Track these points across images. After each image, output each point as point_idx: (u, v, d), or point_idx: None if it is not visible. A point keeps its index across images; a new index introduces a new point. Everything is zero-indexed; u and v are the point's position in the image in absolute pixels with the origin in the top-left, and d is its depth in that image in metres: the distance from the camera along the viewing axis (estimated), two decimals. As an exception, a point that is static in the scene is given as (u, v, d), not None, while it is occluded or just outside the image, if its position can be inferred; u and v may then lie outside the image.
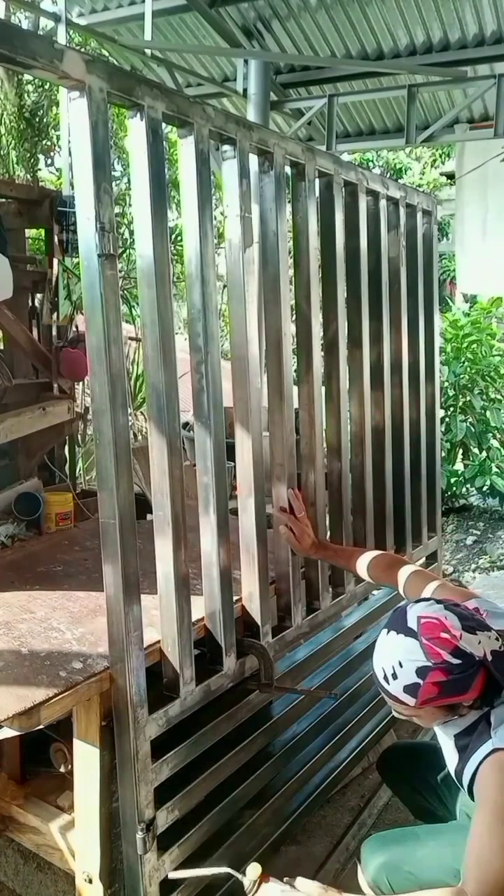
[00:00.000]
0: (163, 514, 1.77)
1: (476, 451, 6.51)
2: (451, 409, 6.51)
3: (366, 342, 2.67)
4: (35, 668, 1.72)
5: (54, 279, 3.07)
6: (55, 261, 3.06)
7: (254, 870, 1.54)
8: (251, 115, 5.72)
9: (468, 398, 6.56)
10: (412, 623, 1.59)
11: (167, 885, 1.81)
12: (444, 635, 1.55)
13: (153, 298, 1.70)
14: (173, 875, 1.77)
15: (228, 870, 1.58)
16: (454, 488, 6.53)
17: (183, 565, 1.80)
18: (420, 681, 1.55)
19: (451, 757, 1.75)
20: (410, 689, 1.57)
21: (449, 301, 7.56)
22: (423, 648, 1.55)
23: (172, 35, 6.17)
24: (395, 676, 1.58)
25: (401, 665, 1.57)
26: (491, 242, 6.33)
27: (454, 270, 7.10)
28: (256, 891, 1.52)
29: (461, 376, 6.54)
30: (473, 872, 1.46)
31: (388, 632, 1.63)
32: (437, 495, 3.37)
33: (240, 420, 2.05)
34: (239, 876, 1.55)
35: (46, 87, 8.27)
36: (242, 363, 2.02)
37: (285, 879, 1.55)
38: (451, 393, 6.52)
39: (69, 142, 5.50)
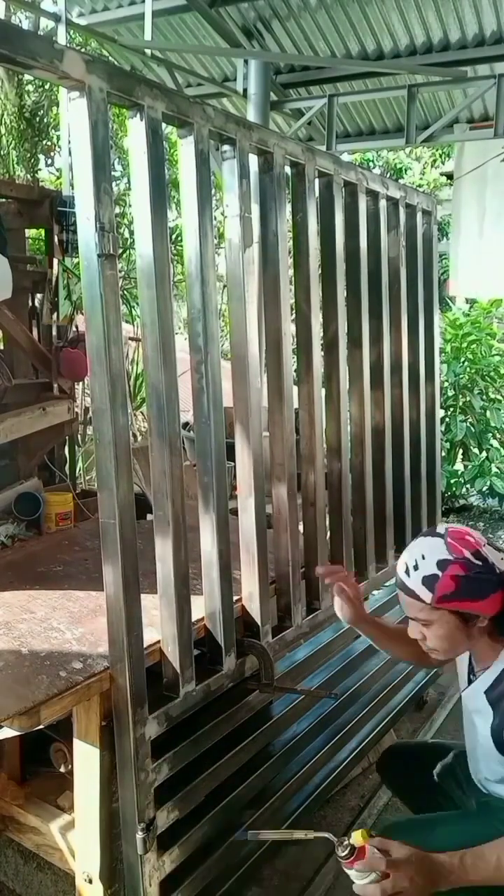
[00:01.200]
0: (163, 514, 1.77)
1: (476, 451, 6.51)
2: (451, 409, 6.51)
3: (366, 342, 2.67)
4: (35, 668, 1.72)
5: (54, 279, 3.07)
6: (55, 261, 3.06)
7: (358, 838, 1.47)
8: (251, 115, 5.73)
9: (468, 398, 6.56)
10: (440, 530, 1.67)
11: (167, 885, 1.81)
12: (468, 538, 1.64)
13: (153, 298, 1.70)
14: (254, 836, 1.72)
15: (327, 835, 1.53)
16: (454, 488, 6.53)
17: (183, 565, 1.80)
18: (439, 572, 1.58)
19: (484, 718, 1.70)
20: (429, 581, 1.59)
21: (448, 302, 7.55)
22: (446, 545, 1.62)
23: (172, 35, 6.18)
24: (416, 568, 1.62)
25: (423, 557, 1.62)
26: (487, 244, 6.31)
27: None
28: (353, 859, 1.47)
29: (461, 376, 6.54)
30: None
31: (417, 538, 1.71)
32: (437, 495, 3.37)
33: (240, 420, 2.05)
34: (334, 840, 1.51)
35: (46, 87, 8.28)
36: (242, 363, 2.02)
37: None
38: (450, 393, 6.52)
39: (69, 142, 5.50)
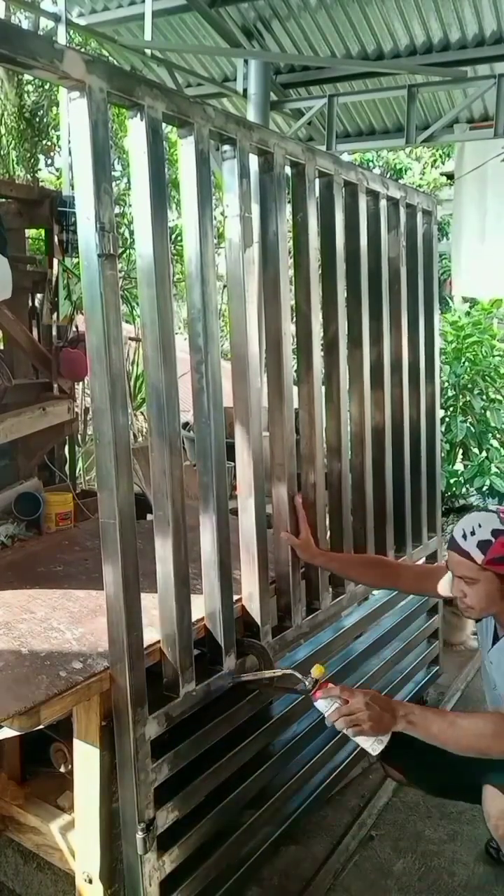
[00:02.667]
0: (163, 514, 1.77)
1: (476, 451, 6.50)
2: (451, 409, 6.50)
3: (366, 342, 2.67)
4: (35, 668, 1.72)
5: (54, 279, 3.07)
6: (55, 261, 3.06)
7: (316, 671, 1.80)
8: (251, 115, 5.73)
9: (468, 398, 6.56)
10: (492, 508, 1.99)
11: (167, 885, 1.81)
12: None
13: (153, 298, 1.70)
14: (237, 679, 1.99)
15: (291, 671, 1.89)
16: (454, 488, 6.53)
17: (183, 565, 1.80)
18: (492, 539, 1.87)
19: None
20: (482, 545, 1.88)
21: (448, 301, 7.54)
22: (500, 519, 1.91)
23: (172, 35, 6.18)
24: (472, 533, 1.90)
25: (479, 526, 1.90)
26: (489, 244, 6.30)
27: (454, 270, 7.08)
28: (315, 690, 1.78)
29: (461, 376, 6.54)
30: None
31: (471, 512, 2.02)
32: (437, 495, 3.37)
33: (240, 420, 2.05)
34: (300, 677, 1.83)
35: (46, 87, 8.28)
36: (242, 363, 2.02)
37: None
38: (451, 393, 6.52)
39: (69, 142, 5.50)
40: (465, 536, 1.91)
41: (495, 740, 1.75)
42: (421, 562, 3.24)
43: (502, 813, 1.90)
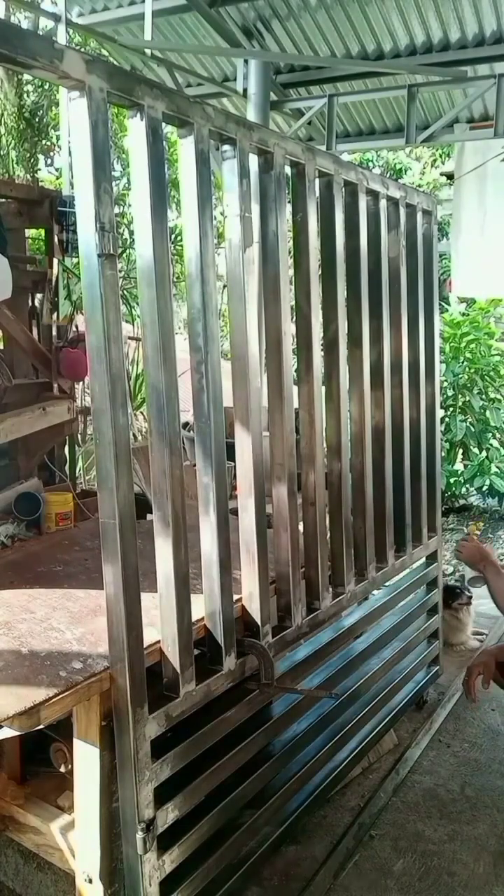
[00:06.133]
0: (163, 514, 1.77)
1: (476, 450, 6.51)
2: (451, 408, 6.51)
3: (366, 342, 2.67)
4: (35, 668, 1.72)
5: (54, 279, 3.07)
6: (55, 261, 3.06)
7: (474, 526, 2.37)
8: (251, 115, 5.73)
9: (467, 398, 6.56)
10: None
11: (167, 885, 1.81)
12: None
13: (153, 298, 1.70)
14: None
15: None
16: (454, 488, 6.53)
17: (183, 565, 1.80)
18: None
19: None
20: None
21: (444, 304, 7.54)
22: None
23: (172, 35, 6.18)
24: None
25: None
26: (489, 244, 6.30)
27: (455, 270, 7.07)
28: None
29: (460, 376, 6.54)
30: None
31: None
32: (437, 495, 3.37)
33: (240, 420, 2.05)
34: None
35: (46, 87, 8.28)
36: (242, 363, 2.02)
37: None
38: (450, 393, 6.52)
39: (69, 142, 5.50)
40: None
41: None
42: (420, 562, 3.25)
43: None
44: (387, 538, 2.88)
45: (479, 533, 2.78)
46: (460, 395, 6.59)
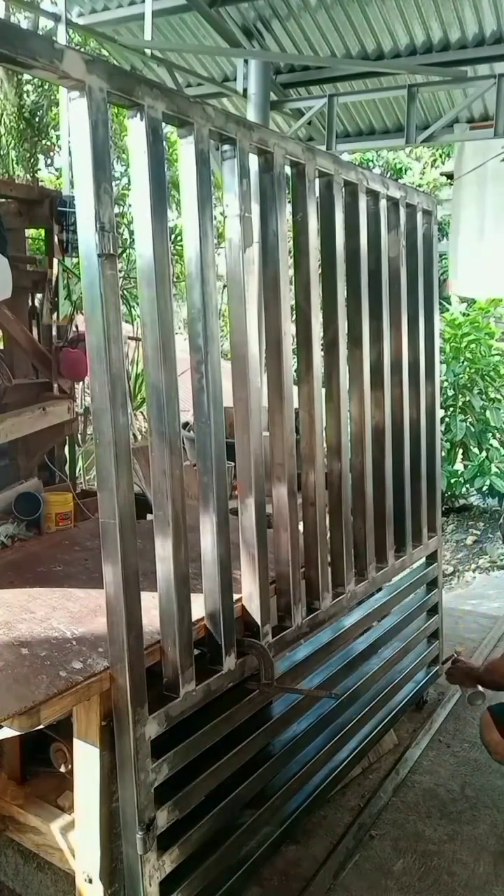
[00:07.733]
0: (163, 514, 1.77)
1: (476, 450, 6.51)
2: (451, 408, 6.51)
3: (366, 342, 2.67)
4: (35, 668, 1.72)
5: (54, 279, 3.07)
6: (55, 261, 3.06)
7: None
8: (251, 115, 5.73)
9: (467, 398, 6.57)
10: None
11: (167, 885, 1.81)
12: None
13: (153, 298, 1.70)
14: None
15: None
16: (454, 488, 6.53)
17: (183, 565, 1.80)
18: None
19: None
20: None
21: (444, 303, 7.54)
22: None
23: (172, 35, 6.18)
24: None
25: None
26: (488, 244, 6.30)
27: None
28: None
29: (460, 376, 6.55)
30: None
31: None
32: (437, 495, 3.37)
33: (240, 420, 2.05)
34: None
35: (46, 87, 8.28)
36: (242, 363, 2.02)
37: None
38: (450, 393, 6.53)
39: (69, 142, 5.50)
40: None
41: None
42: (420, 562, 3.24)
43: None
44: (387, 538, 2.88)
45: (462, 651, 2.97)
46: (460, 395, 6.60)
